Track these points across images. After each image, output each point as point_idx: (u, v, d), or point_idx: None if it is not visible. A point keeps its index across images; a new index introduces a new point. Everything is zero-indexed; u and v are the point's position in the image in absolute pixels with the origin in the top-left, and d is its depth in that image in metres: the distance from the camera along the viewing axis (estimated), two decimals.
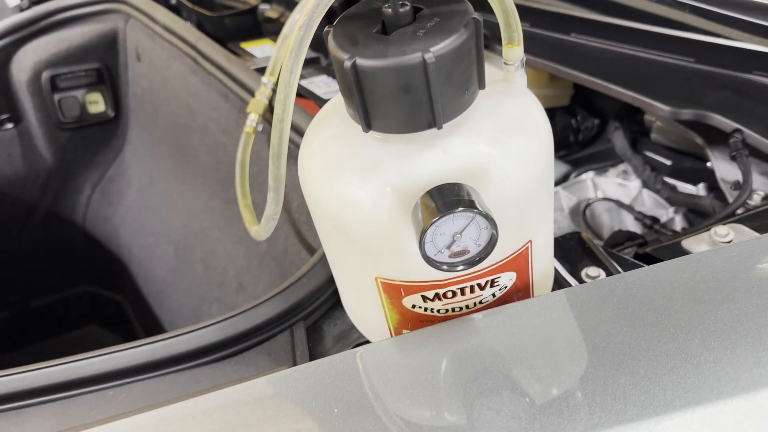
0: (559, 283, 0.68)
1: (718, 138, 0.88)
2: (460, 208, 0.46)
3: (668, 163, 1.04)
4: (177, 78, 1.17)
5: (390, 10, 0.48)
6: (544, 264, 0.59)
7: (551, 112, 1.20)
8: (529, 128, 0.52)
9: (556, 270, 0.69)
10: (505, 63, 0.53)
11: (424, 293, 0.53)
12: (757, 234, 0.70)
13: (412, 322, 0.56)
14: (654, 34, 0.91)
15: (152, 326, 1.37)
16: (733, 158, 0.80)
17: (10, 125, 1.42)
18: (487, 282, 0.53)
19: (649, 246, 0.74)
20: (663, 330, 0.47)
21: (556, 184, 1.09)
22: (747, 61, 0.86)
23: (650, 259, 0.71)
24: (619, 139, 1.06)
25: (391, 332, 0.59)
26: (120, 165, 1.48)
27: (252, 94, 0.99)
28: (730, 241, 0.70)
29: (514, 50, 0.52)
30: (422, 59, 0.45)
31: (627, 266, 0.69)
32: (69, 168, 1.47)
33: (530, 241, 0.54)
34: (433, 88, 0.46)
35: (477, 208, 0.46)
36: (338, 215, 0.52)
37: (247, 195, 0.88)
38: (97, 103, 1.44)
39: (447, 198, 0.47)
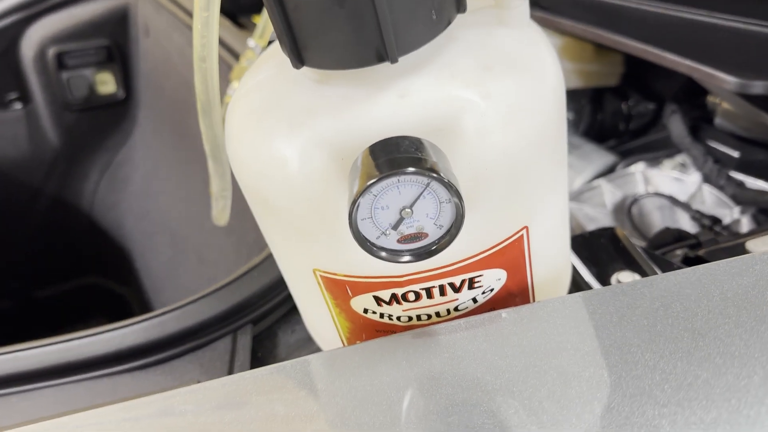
0: (580, 290, 0.53)
1: None
2: (409, 169, 0.32)
3: (735, 154, 0.86)
4: (177, 51, 1.07)
5: None
6: (552, 260, 0.44)
7: (599, 94, 1.04)
8: (526, 67, 0.37)
9: (576, 273, 0.54)
10: None
11: (376, 293, 0.39)
12: None
13: (366, 331, 0.42)
14: None
15: None
16: None
17: (18, 105, 1.35)
18: (463, 281, 0.39)
19: (704, 247, 0.57)
20: (707, 358, 0.31)
21: (600, 175, 0.93)
22: None
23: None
24: (676, 125, 0.89)
25: (344, 343, 0.45)
26: (129, 149, 1.39)
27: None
28: None
29: None
30: None
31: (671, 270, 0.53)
32: (76, 151, 1.38)
33: (525, 227, 0.39)
34: (379, 1, 0.32)
35: (433, 172, 0.31)
36: (261, 181, 0.38)
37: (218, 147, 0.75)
38: (106, 84, 1.35)
39: (392, 154, 0.33)
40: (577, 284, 0.53)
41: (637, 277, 0.52)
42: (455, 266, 0.38)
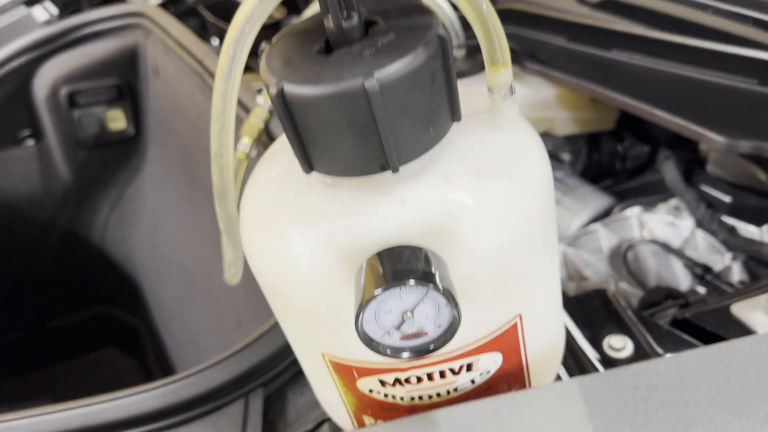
0: (574, 354, 0.56)
1: None
2: (411, 281, 0.35)
3: (727, 199, 0.89)
4: (187, 95, 1.11)
5: (332, 23, 0.38)
6: (545, 339, 0.47)
7: (595, 135, 1.07)
8: (517, 171, 0.40)
9: (571, 338, 0.57)
10: (489, 90, 0.41)
11: (380, 377, 0.42)
12: None
13: (372, 408, 0.45)
14: (709, 51, 0.77)
15: (162, 356, 1.31)
16: None
17: (31, 142, 1.39)
18: (462, 366, 0.42)
19: (691, 308, 0.60)
20: None
21: (597, 219, 0.96)
22: None
23: (690, 327, 0.57)
24: (669, 171, 0.92)
25: (350, 417, 0.48)
26: (139, 185, 1.42)
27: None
28: None
29: (499, 74, 0.40)
30: (362, 86, 0.34)
31: (660, 335, 0.57)
32: (87, 187, 1.42)
33: (519, 315, 0.42)
34: (381, 123, 0.36)
35: (433, 282, 0.35)
36: (273, 273, 0.42)
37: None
38: (117, 120, 1.39)
39: (395, 265, 0.36)
40: (571, 348, 0.56)
41: (627, 341, 0.55)
42: (454, 353, 0.41)
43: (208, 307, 1.08)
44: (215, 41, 1.57)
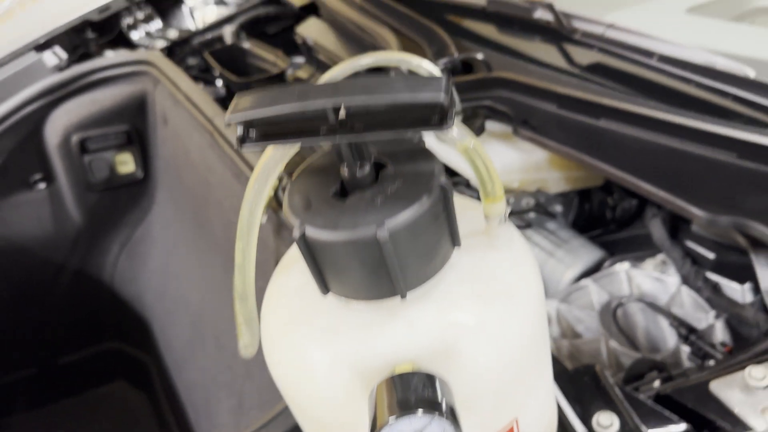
0: (565, 430, 0.61)
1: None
2: (419, 411, 0.40)
3: (711, 256, 0.94)
4: (197, 149, 1.15)
5: (347, 171, 0.43)
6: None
7: (586, 189, 1.12)
8: (513, 293, 0.45)
9: (563, 414, 0.62)
10: (486, 217, 0.46)
11: None
12: None
13: None
14: (692, 128, 0.83)
15: (171, 395, 1.35)
16: None
17: (42, 185, 1.43)
18: None
19: (673, 383, 0.65)
20: None
21: (589, 273, 1.00)
22: None
23: (672, 403, 0.62)
24: (657, 228, 0.97)
25: None
26: (147, 226, 1.47)
27: None
28: (767, 386, 0.61)
29: (494, 206, 0.45)
30: (375, 235, 0.39)
31: (645, 412, 0.62)
32: (98, 228, 1.47)
33: (515, 419, 0.47)
34: (390, 262, 0.41)
35: (439, 411, 0.40)
36: (292, 384, 0.47)
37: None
38: (126, 164, 1.44)
39: (406, 393, 0.41)
40: (563, 424, 0.61)
41: (614, 419, 0.60)
42: None
43: (218, 353, 1.12)
44: (219, 82, 1.62)
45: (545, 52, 1.07)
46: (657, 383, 0.67)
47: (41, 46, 1.53)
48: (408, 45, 1.15)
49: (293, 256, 0.54)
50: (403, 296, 0.43)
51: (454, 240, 0.45)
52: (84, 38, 1.65)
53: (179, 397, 1.30)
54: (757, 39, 0.96)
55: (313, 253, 0.42)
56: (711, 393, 0.61)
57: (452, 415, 0.40)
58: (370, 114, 0.40)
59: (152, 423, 1.46)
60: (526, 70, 1.05)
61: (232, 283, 1.09)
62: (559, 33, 1.04)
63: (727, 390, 0.61)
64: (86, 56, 1.59)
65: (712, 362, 0.80)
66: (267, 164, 0.46)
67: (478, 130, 0.98)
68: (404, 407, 0.40)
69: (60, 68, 1.52)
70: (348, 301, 0.45)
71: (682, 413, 0.61)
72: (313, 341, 0.45)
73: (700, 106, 0.88)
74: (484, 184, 0.44)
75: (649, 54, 0.92)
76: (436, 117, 0.39)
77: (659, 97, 0.93)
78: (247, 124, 0.42)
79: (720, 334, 0.85)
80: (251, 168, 0.98)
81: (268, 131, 0.42)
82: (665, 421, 0.61)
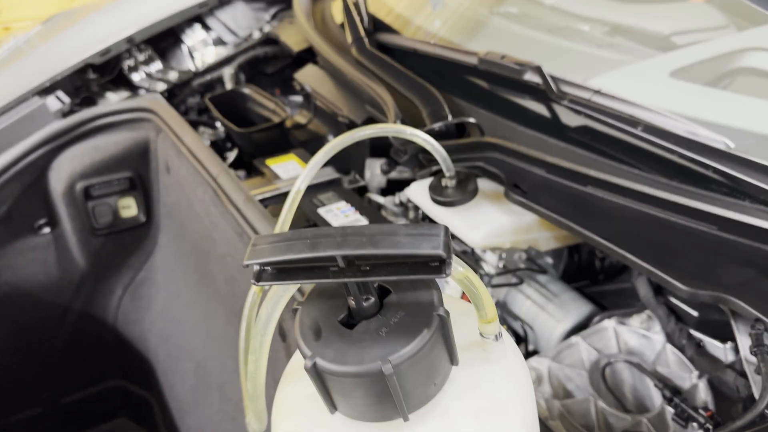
0: None
1: None
2: None
3: (695, 314, 0.99)
4: (200, 204, 1.19)
5: (354, 303, 0.47)
6: None
7: (575, 245, 1.16)
8: (507, 411, 0.50)
9: None
10: (481, 334, 0.51)
11: None
12: None
13: None
14: (674, 203, 0.87)
15: None
16: (754, 353, 0.76)
17: (47, 230, 1.47)
18: None
19: None
20: None
21: (578, 329, 1.05)
22: None
23: None
24: (642, 287, 1.02)
25: None
26: (150, 268, 1.51)
27: None
28: None
29: (489, 326, 0.50)
30: (380, 369, 0.44)
31: None
32: (101, 271, 1.51)
33: None
34: (395, 393, 0.45)
35: None
36: None
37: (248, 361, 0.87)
38: (129, 208, 1.48)
39: None
40: None
41: None
42: None
43: (223, 403, 1.16)
44: (218, 123, 1.66)
45: (535, 113, 1.11)
46: None
47: (44, 91, 1.57)
48: (403, 103, 1.20)
49: (298, 362, 0.58)
50: (406, 419, 0.47)
51: (453, 360, 0.49)
52: (85, 79, 1.68)
53: None
54: (737, 107, 1.01)
55: (322, 380, 0.47)
56: None
57: None
58: (376, 258, 0.45)
59: None
60: (516, 131, 1.09)
61: (235, 336, 1.14)
62: (547, 96, 1.08)
63: None
64: (89, 99, 1.62)
65: (695, 425, 0.85)
66: (277, 291, 0.50)
67: (472, 194, 1.02)
68: None
69: (63, 113, 1.55)
70: (354, 420, 0.49)
71: None
72: None
73: (683, 175, 0.93)
74: (479, 309, 0.49)
75: (634, 123, 0.97)
76: (436, 264, 0.44)
77: (644, 162, 0.98)
78: (264, 264, 0.46)
79: (703, 394, 0.90)
80: (253, 228, 1.02)
81: (282, 270, 0.47)
82: None
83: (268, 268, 0.46)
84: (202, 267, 1.26)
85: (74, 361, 1.54)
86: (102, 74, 1.73)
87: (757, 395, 0.79)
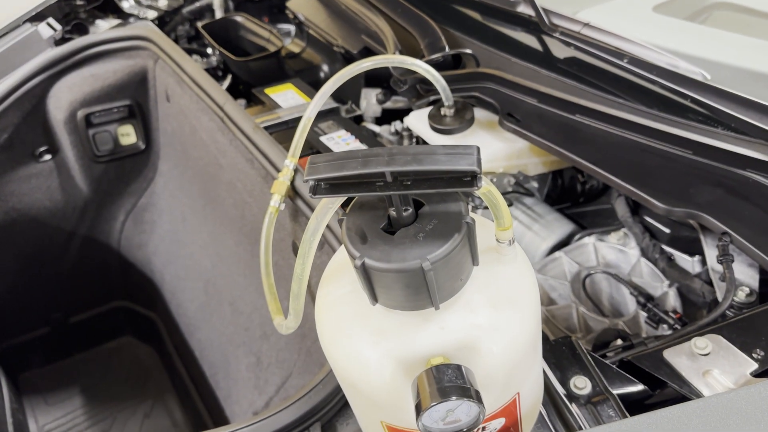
0: (549, 392, 0.76)
1: None
2: (454, 397, 0.53)
3: (667, 231, 1.09)
4: (206, 132, 1.24)
5: (395, 213, 0.55)
6: (532, 399, 0.67)
7: (559, 170, 1.25)
8: (518, 301, 0.59)
9: (547, 378, 0.77)
10: (497, 240, 0.59)
11: None
12: (733, 347, 0.77)
13: None
14: (654, 129, 0.96)
15: (183, 350, 1.48)
16: (720, 262, 0.86)
17: (48, 156, 1.51)
18: (478, 429, 0.61)
19: (633, 351, 0.81)
20: None
21: (560, 246, 1.15)
22: (742, 159, 0.91)
23: (633, 368, 0.78)
24: (620, 207, 1.12)
25: None
26: (152, 194, 1.56)
27: (274, 166, 1.06)
28: (708, 353, 0.77)
29: (505, 232, 0.58)
30: (420, 266, 0.52)
31: (611, 375, 0.77)
32: (104, 197, 1.56)
33: (518, 392, 0.61)
34: (431, 285, 0.54)
35: (469, 396, 0.53)
36: (348, 370, 0.60)
37: (270, 274, 0.96)
38: (128, 135, 1.52)
39: (443, 384, 0.54)
40: (547, 387, 0.76)
41: (587, 382, 0.76)
42: None
43: (234, 316, 1.25)
44: (210, 50, 1.68)
45: (527, 44, 1.18)
46: (621, 353, 0.83)
47: (35, 18, 1.57)
48: (400, 34, 1.25)
49: (335, 266, 0.66)
50: (437, 308, 0.56)
51: (474, 261, 0.58)
52: (73, 5, 1.68)
53: (192, 353, 1.43)
54: (714, 41, 1.09)
55: (369, 276, 0.55)
56: (664, 359, 0.77)
57: (477, 398, 0.54)
58: (416, 174, 0.52)
59: (162, 374, 1.59)
60: (509, 62, 1.16)
61: (245, 255, 1.24)
62: (539, 27, 1.15)
63: (677, 357, 0.77)
64: (80, 26, 1.62)
65: (665, 326, 0.97)
66: (326, 204, 0.58)
67: (469, 122, 1.10)
68: (442, 395, 0.53)
69: (56, 40, 1.56)
70: (392, 310, 0.58)
71: (641, 376, 0.77)
72: (365, 342, 0.58)
73: (663, 104, 1.01)
74: (498, 217, 0.57)
75: (620, 55, 1.04)
76: (469, 179, 0.52)
77: (628, 92, 1.06)
78: (320, 180, 0.54)
79: (672, 301, 1.02)
80: (264, 155, 1.08)
81: (335, 185, 0.54)
82: (628, 383, 0.76)
83: (322, 183, 0.54)
84: (208, 192, 1.32)
85: (80, 283, 1.61)
86: (89, 0, 1.73)
87: (720, 299, 0.90)
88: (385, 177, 0.52)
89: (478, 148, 0.51)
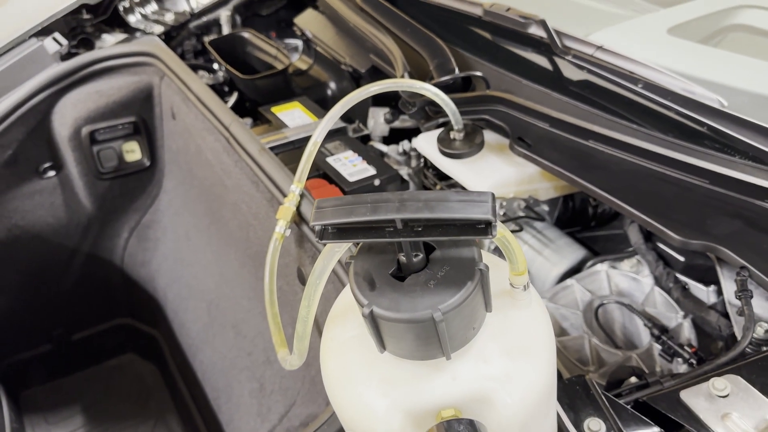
0: None
1: None
2: None
3: (681, 259, 1.07)
4: (211, 152, 1.23)
5: (404, 259, 0.53)
6: None
7: (570, 194, 1.23)
8: (533, 349, 0.57)
9: (560, 419, 0.74)
10: (511, 285, 0.57)
11: None
12: (753, 389, 0.74)
13: None
14: (670, 158, 0.93)
15: (185, 371, 1.46)
16: (738, 298, 0.84)
17: (52, 173, 1.49)
18: None
19: (649, 390, 0.78)
20: None
21: (571, 272, 1.13)
22: (761, 190, 0.89)
23: (649, 409, 0.75)
24: (633, 233, 1.09)
25: None
26: (156, 212, 1.54)
27: (280, 189, 1.03)
28: (727, 395, 0.74)
29: (519, 277, 0.56)
30: (431, 317, 0.50)
31: (626, 417, 0.74)
32: (108, 214, 1.54)
33: None
34: (442, 335, 0.51)
35: None
36: (354, 420, 0.58)
37: (274, 304, 0.93)
38: (133, 152, 1.50)
39: None
40: (560, 429, 0.74)
41: (601, 423, 0.73)
42: None
43: (237, 340, 1.23)
44: (216, 66, 1.67)
45: (539, 67, 1.16)
46: (636, 392, 0.80)
47: (41, 32, 1.56)
48: (409, 54, 1.23)
49: (342, 307, 0.64)
50: (449, 358, 0.54)
51: (488, 307, 0.56)
52: (80, 19, 1.67)
53: (195, 374, 1.41)
54: (731, 65, 1.06)
55: (377, 324, 0.53)
56: (681, 400, 0.74)
57: None
58: (428, 221, 0.50)
59: (164, 393, 1.57)
60: (520, 85, 1.14)
61: (249, 278, 1.21)
62: (551, 49, 1.12)
63: (694, 399, 0.74)
64: (86, 41, 1.61)
65: (680, 360, 0.94)
66: (332, 248, 0.56)
67: (479, 146, 1.08)
68: None
69: (62, 55, 1.55)
70: (400, 359, 0.56)
71: (657, 418, 0.74)
72: (373, 391, 0.56)
73: (678, 130, 0.99)
74: (512, 263, 0.55)
75: (634, 80, 1.02)
76: (483, 226, 0.49)
77: (642, 117, 1.03)
78: (326, 225, 0.52)
79: (687, 333, 0.99)
80: (269, 177, 1.06)
81: (343, 230, 0.52)
82: (643, 426, 0.74)
83: (329, 227, 0.52)
84: (213, 212, 1.30)
85: (83, 300, 1.59)
86: (96, 14, 1.71)
87: (739, 335, 0.87)
88: (395, 223, 0.50)
89: (493, 195, 0.49)
